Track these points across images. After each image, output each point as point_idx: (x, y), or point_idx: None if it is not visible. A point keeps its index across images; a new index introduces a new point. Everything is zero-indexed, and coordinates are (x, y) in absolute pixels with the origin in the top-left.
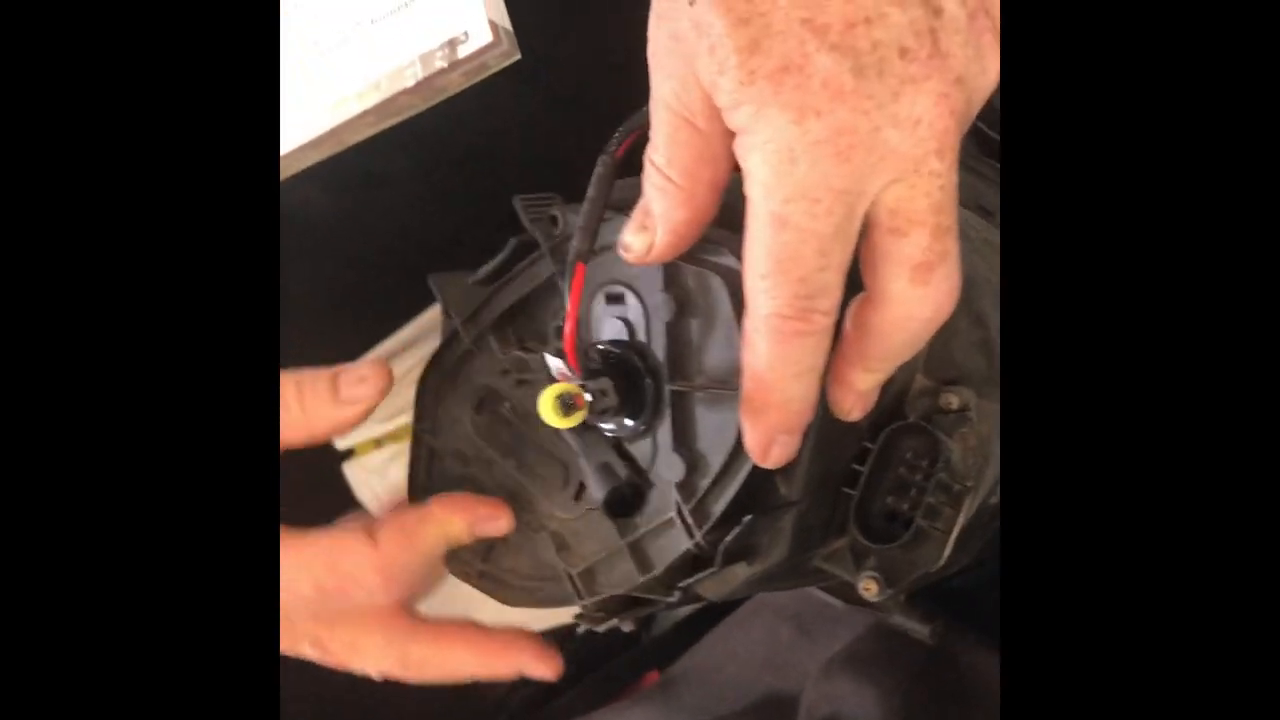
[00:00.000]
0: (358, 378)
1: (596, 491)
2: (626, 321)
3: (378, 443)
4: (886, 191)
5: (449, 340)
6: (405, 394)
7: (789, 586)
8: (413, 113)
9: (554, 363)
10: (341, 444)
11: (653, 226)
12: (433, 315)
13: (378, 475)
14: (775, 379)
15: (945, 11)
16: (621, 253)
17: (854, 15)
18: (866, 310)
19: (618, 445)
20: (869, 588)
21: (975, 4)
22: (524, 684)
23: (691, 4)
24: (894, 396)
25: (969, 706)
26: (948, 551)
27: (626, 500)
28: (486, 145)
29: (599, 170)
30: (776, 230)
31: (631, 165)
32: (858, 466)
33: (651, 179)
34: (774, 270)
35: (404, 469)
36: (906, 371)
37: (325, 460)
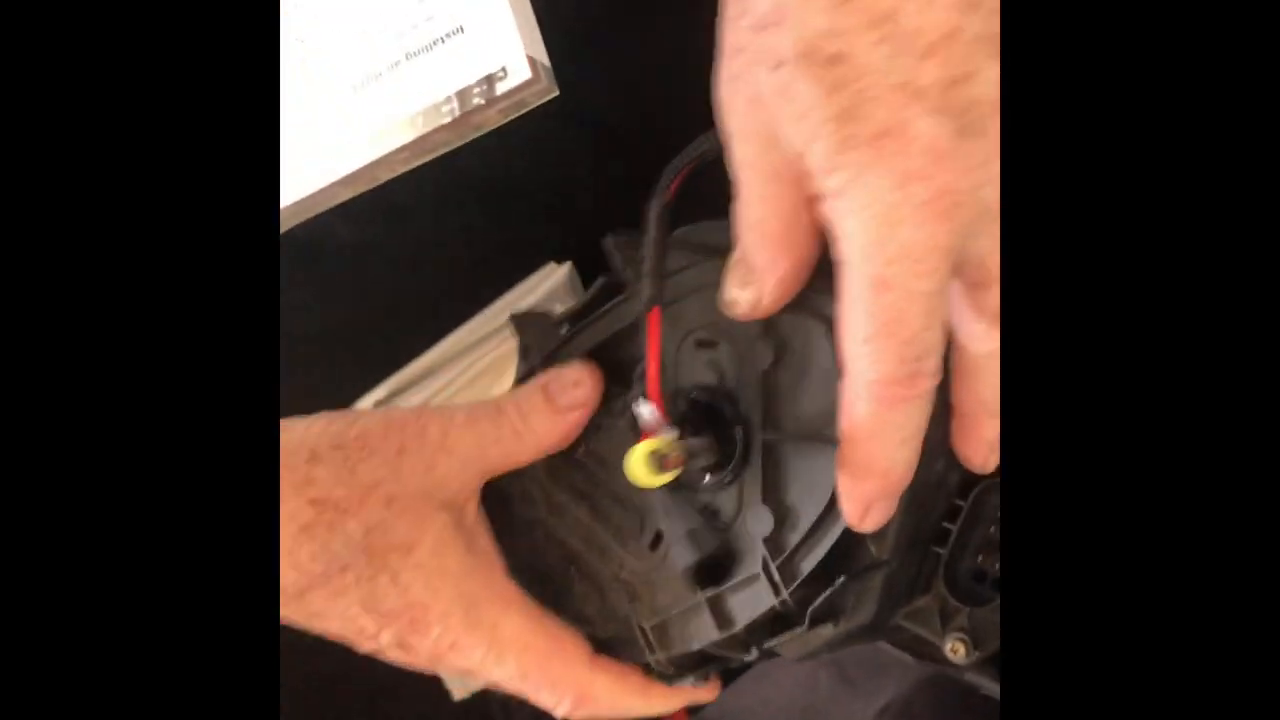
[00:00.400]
0: (572, 382)
1: (681, 561)
2: (717, 366)
3: None
4: (970, 245)
5: (524, 379)
6: None
7: (865, 643)
8: (448, 149)
9: (644, 409)
10: None
11: (757, 280)
12: (449, 345)
13: None
14: (879, 446)
15: None
16: (726, 310)
17: (949, 75)
18: (959, 358)
19: (704, 509)
20: (956, 649)
21: None
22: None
23: (776, 69)
24: None
25: None
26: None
27: (712, 572)
28: (514, 177)
29: (653, 212)
30: (879, 293)
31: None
32: (948, 525)
33: (748, 236)
34: (879, 334)
35: None
36: None
37: None
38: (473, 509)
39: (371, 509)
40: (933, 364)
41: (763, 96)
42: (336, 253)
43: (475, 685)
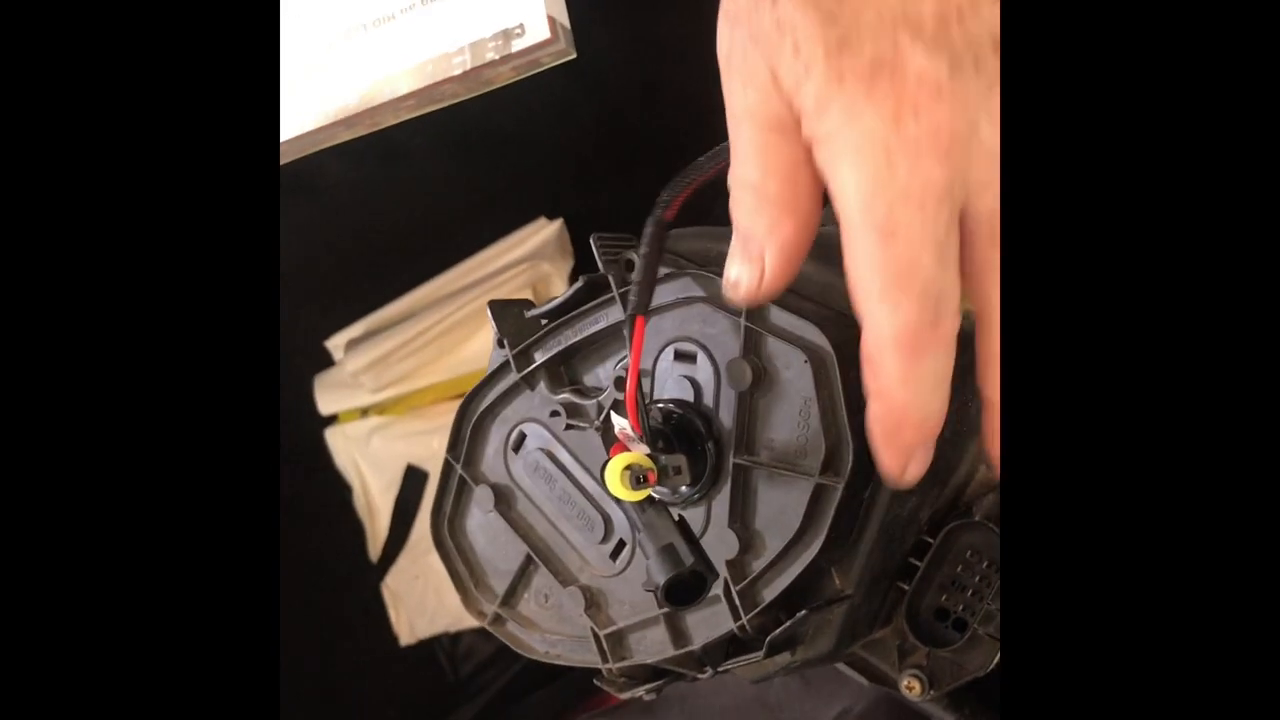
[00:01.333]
0: None
1: (657, 576)
2: (694, 382)
3: (363, 412)
4: (981, 200)
5: (497, 370)
6: (396, 369)
7: (821, 666)
8: (454, 101)
9: (619, 421)
10: (325, 410)
11: (758, 253)
12: (429, 290)
13: (359, 444)
14: (912, 397)
15: None
16: (730, 293)
17: (947, 10)
18: (988, 338)
19: (680, 524)
20: (912, 687)
21: None
22: (503, 672)
23: (775, 2)
24: (956, 489)
25: None
26: (999, 659)
27: (688, 589)
28: (512, 128)
29: (649, 230)
30: (885, 243)
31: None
32: (914, 561)
33: (745, 203)
34: (892, 287)
35: (387, 441)
36: (970, 463)
37: (306, 424)
38: None
39: None
40: (951, 305)
41: (762, 33)
42: (328, 188)
43: (422, 632)
